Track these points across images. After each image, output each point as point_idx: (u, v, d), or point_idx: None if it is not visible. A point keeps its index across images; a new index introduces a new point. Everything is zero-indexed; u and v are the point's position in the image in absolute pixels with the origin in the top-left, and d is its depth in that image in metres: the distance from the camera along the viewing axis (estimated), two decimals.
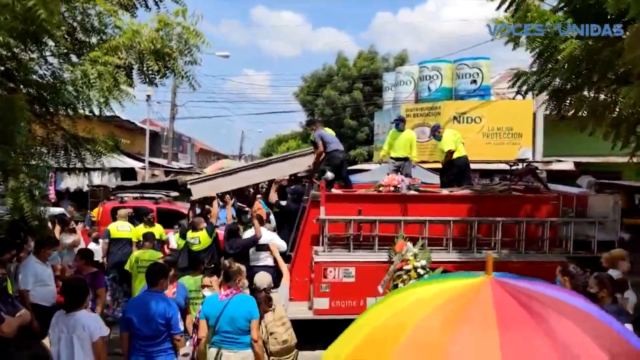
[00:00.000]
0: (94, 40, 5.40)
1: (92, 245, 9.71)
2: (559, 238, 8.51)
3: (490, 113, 18.07)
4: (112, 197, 13.82)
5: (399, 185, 8.52)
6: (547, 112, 7.45)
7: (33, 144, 6.00)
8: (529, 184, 9.17)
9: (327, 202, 8.25)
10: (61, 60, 5.43)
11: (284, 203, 9.92)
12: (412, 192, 8.59)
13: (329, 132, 10.04)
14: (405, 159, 10.45)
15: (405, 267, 7.71)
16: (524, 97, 9.23)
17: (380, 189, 8.64)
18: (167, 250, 9.99)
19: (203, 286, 6.16)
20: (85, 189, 18.27)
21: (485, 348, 1.92)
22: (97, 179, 18.13)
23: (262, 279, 5.39)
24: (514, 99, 19.22)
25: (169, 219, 11.38)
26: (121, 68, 5.21)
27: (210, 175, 10.33)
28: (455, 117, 18.27)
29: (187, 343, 5.25)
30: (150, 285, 4.91)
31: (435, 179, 10.73)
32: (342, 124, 25.04)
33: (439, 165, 15.42)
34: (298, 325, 6.03)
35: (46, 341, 4.63)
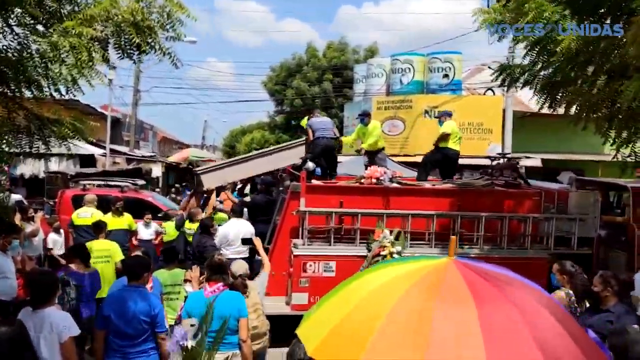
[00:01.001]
0: (66, 9, 4.92)
1: (53, 236, 9.14)
2: (539, 234, 8.43)
3: (461, 108, 17.99)
4: (72, 185, 13.15)
5: (381, 178, 8.29)
6: (538, 105, 7.29)
7: None
8: (509, 179, 9.07)
9: (307, 194, 7.95)
10: (27, 32, 4.93)
11: (247, 199, 9.66)
12: (395, 185, 8.38)
13: (321, 119, 9.70)
14: (378, 151, 10.24)
15: (383, 253, 7.59)
16: (507, 90, 9.11)
17: (362, 181, 8.39)
18: (134, 242, 9.49)
19: (185, 281, 5.77)
20: (42, 175, 17.39)
21: (465, 322, 2.05)
22: (54, 165, 17.31)
23: (239, 265, 5.37)
24: (484, 94, 19.45)
25: (136, 208, 10.82)
26: (96, 41, 4.74)
27: (218, 165, 10.13)
28: (426, 111, 18.17)
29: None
30: (132, 278, 4.48)
31: (407, 173, 10.52)
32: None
33: (410, 159, 15.32)
34: (275, 320, 5.77)
35: None
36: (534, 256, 8.09)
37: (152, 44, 4.92)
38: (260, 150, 11.22)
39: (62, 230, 9.34)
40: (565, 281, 4.94)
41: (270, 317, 5.57)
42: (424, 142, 17.19)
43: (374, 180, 8.33)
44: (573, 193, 8.63)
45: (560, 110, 7.10)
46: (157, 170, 20.31)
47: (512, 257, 7.96)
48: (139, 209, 10.98)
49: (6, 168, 15.46)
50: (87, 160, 19.50)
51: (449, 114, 10.32)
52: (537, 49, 6.37)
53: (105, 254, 7.51)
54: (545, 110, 20.14)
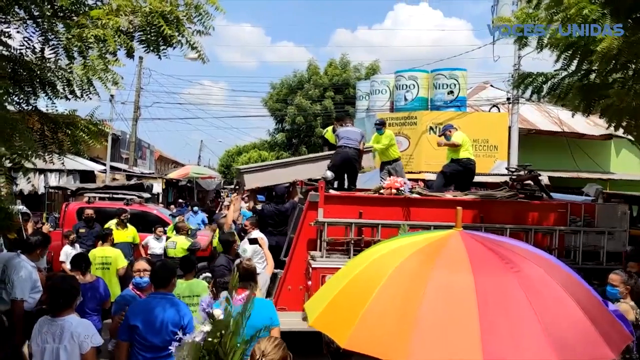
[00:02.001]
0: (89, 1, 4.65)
1: (67, 249, 8.82)
2: (566, 248, 8.16)
3: (466, 124, 17.76)
4: (71, 200, 12.83)
5: (401, 188, 8.01)
6: (572, 110, 7.07)
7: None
8: (531, 191, 8.81)
9: (326, 204, 7.65)
10: (48, 24, 4.65)
11: (259, 207, 9.31)
12: (415, 196, 8.10)
13: (347, 128, 9.38)
14: (395, 160, 10.34)
15: None
16: (529, 99, 8.92)
17: (382, 191, 8.10)
18: (142, 254, 9.15)
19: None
20: (42, 191, 17.02)
21: (461, 285, 2.07)
22: (54, 181, 16.99)
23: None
24: (489, 111, 19.33)
25: (141, 221, 10.51)
26: (121, 33, 4.47)
27: (263, 165, 9.90)
28: (431, 128, 17.98)
29: None
30: (159, 285, 4.14)
31: None
32: (313, 132, 24.53)
33: (415, 176, 15.09)
34: (291, 337, 5.41)
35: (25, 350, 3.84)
36: None
37: (180, 37, 4.65)
38: (306, 156, 10.97)
39: (77, 245, 9.03)
40: (627, 292, 4.62)
41: (286, 335, 5.20)
42: (429, 159, 17.05)
43: (394, 191, 8.05)
44: (600, 206, 8.37)
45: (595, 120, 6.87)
46: (157, 187, 19.97)
47: None
48: (144, 222, 10.70)
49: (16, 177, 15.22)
50: (87, 177, 19.20)
51: (452, 127, 10.15)
52: (570, 51, 6.16)
53: (105, 261, 7.65)
54: (549, 127, 19.97)
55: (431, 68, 19.46)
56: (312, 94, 25.27)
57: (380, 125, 10.32)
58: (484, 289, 2.04)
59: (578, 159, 19.34)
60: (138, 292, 4.84)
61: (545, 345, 1.91)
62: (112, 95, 20.13)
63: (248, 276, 4.41)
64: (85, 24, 4.25)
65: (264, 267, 7.11)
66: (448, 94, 18.30)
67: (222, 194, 33.97)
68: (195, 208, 14.69)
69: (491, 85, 22.46)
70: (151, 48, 4.62)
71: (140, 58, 20.84)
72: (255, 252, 7.60)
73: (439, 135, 10.07)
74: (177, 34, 4.58)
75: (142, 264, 5.03)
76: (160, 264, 4.43)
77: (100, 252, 7.79)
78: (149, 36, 4.53)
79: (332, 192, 8.16)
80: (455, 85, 18.30)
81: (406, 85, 18.77)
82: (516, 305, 2.00)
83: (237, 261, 5.32)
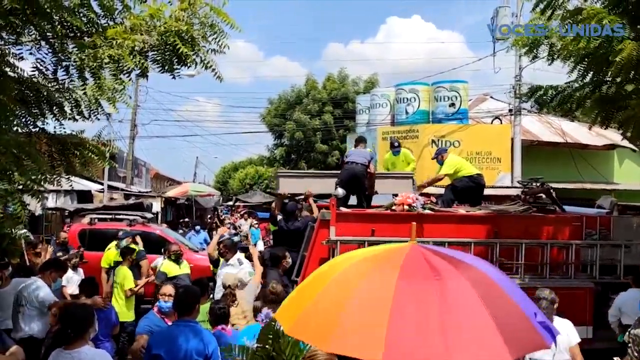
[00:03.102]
0: (101, 21, 4.58)
1: (69, 273, 8.65)
2: (582, 262, 8.08)
3: (468, 137, 17.86)
4: (68, 221, 12.71)
5: (413, 204, 7.92)
6: (589, 123, 7.03)
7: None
8: (543, 205, 8.74)
9: (337, 222, 7.56)
10: (60, 44, 4.58)
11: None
12: (428, 212, 8.01)
13: (358, 150, 9.39)
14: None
15: None
16: (539, 112, 8.90)
17: (394, 207, 8.02)
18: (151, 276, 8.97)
19: None
20: (39, 212, 16.83)
21: (382, 285, 2.37)
22: (51, 201, 16.81)
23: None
24: (492, 123, 19.29)
25: (145, 243, 10.34)
26: (137, 53, 4.40)
27: (302, 172, 9.78)
28: (433, 141, 17.90)
29: None
30: (182, 312, 4.02)
31: None
32: (313, 147, 24.52)
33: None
34: None
35: None
36: (580, 285, 7.72)
37: (195, 56, 4.58)
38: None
39: (80, 269, 8.88)
40: None
41: None
42: (432, 173, 16.99)
43: (406, 207, 7.96)
44: (616, 218, 8.31)
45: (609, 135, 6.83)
46: (156, 206, 19.83)
47: (556, 287, 7.57)
48: (147, 243, 10.54)
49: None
50: (84, 196, 19.03)
51: (444, 150, 10.15)
52: (586, 61, 6.12)
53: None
54: (552, 139, 19.88)
55: (431, 81, 19.54)
56: (311, 108, 25.29)
57: (398, 147, 10.52)
58: (402, 292, 2.31)
59: (582, 170, 19.30)
60: (162, 316, 4.74)
61: (439, 344, 2.18)
62: (108, 114, 20.02)
63: (275, 299, 4.54)
64: (100, 43, 4.17)
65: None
66: (450, 106, 18.30)
67: (219, 212, 33.92)
68: (197, 227, 14.55)
69: (491, 97, 22.50)
70: (166, 67, 4.55)
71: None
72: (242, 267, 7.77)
73: (432, 158, 10.07)
74: (192, 52, 4.52)
75: (168, 289, 5.01)
76: (183, 290, 4.30)
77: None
78: (164, 55, 4.46)
79: (343, 209, 8.07)
80: (456, 97, 18.34)
81: (407, 99, 18.78)
82: (426, 308, 2.27)
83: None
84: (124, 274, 8.04)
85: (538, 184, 9.02)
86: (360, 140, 9.85)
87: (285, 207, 8.94)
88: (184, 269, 8.42)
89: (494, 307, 2.31)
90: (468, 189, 9.13)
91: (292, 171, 10.18)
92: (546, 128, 19.99)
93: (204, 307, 5.74)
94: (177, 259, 8.50)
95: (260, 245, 10.46)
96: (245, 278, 7.26)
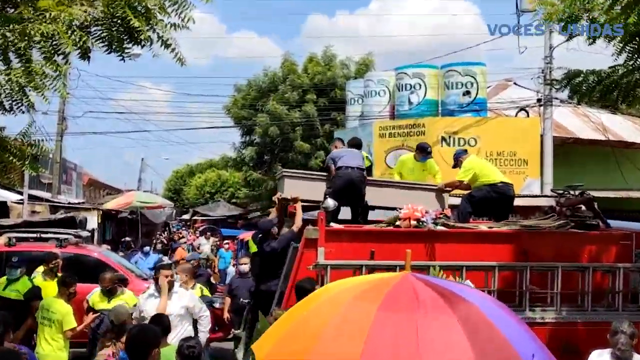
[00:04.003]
0: None
1: None
2: (632, 290, 8.23)
3: (488, 133, 17.93)
4: None
5: (422, 219, 7.98)
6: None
7: None
8: (582, 219, 8.87)
9: (327, 242, 7.57)
10: None
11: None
12: (441, 228, 8.08)
13: (346, 149, 9.66)
14: None
15: None
16: (578, 104, 9.03)
17: (398, 223, 8.07)
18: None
19: None
20: None
21: (361, 316, 2.82)
22: None
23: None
24: (516, 115, 19.40)
25: (79, 269, 10.28)
26: (76, 29, 4.38)
27: (311, 174, 10.24)
28: (443, 138, 17.96)
29: None
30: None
31: None
32: (292, 147, 24.51)
33: None
34: None
35: None
36: (630, 319, 7.80)
37: (150, 31, 4.58)
38: (377, 179, 11.24)
39: None
40: None
41: None
42: (443, 177, 17.09)
43: (413, 222, 8.02)
44: None
45: None
46: (92, 221, 19.66)
47: (600, 322, 7.70)
48: (82, 269, 10.48)
49: None
50: None
51: (463, 152, 10.53)
52: (638, 40, 6.24)
53: (48, 316, 7.85)
54: (590, 135, 19.99)
55: (441, 63, 19.66)
56: (289, 97, 25.28)
57: (429, 155, 10.83)
58: (379, 323, 2.74)
59: (627, 175, 19.44)
60: None
61: None
62: (31, 104, 19.77)
63: None
64: (30, 17, 4.14)
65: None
66: (464, 95, 18.42)
67: (171, 227, 33.79)
68: (146, 248, 14.51)
69: (515, 84, 22.63)
70: (113, 46, 4.55)
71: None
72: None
73: (453, 167, 10.28)
74: (147, 27, 4.51)
75: None
76: (136, 330, 4.27)
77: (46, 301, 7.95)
78: (111, 31, 4.45)
79: (334, 225, 8.09)
80: (472, 84, 18.45)
81: (410, 85, 18.90)
82: (402, 341, 2.70)
83: None
84: (62, 309, 7.90)
85: (576, 193, 9.14)
86: (355, 144, 9.94)
87: (259, 225, 9.04)
88: (121, 301, 8.46)
89: (479, 344, 2.69)
90: (487, 201, 9.21)
91: (299, 172, 10.20)
92: (583, 122, 20.20)
93: (168, 351, 5.71)
94: (110, 291, 8.77)
95: (246, 268, 10.52)
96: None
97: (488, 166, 10.03)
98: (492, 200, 9.25)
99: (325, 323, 2.85)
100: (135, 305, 8.02)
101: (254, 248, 9.82)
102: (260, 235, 9.07)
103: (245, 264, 10.92)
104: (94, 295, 8.90)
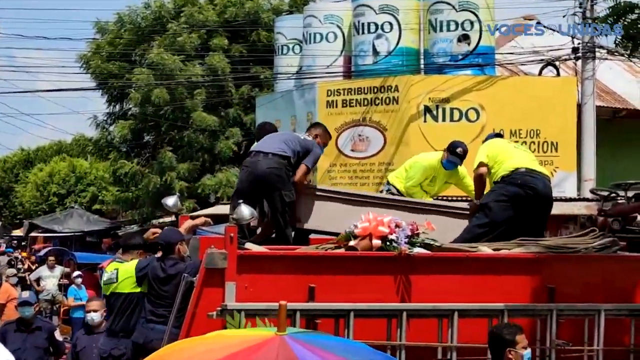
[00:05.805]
0: None
1: None
2: None
3: (496, 101, 18.18)
4: None
5: (391, 237, 8.08)
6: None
7: None
8: (638, 236, 9.14)
9: (241, 273, 7.64)
10: None
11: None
12: (419, 251, 8.20)
13: (283, 133, 10.40)
14: None
15: None
16: (633, 56, 9.29)
17: (352, 243, 8.15)
18: None
19: None
20: None
21: None
22: None
23: None
24: (540, 74, 19.66)
25: None
26: None
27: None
28: (427, 109, 18.15)
29: None
30: None
31: None
32: (189, 120, 24.52)
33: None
34: None
35: None
36: None
37: None
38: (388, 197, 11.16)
39: None
40: None
41: None
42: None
43: (376, 242, 8.11)
44: None
45: None
46: None
47: None
48: None
49: None
50: None
51: (499, 135, 11.03)
52: None
53: None
54: None
55: None
56: (185, 42, 25.29)
57: (463, 157, 11.07)
58: None
59: None
60: None
61: None
62: None
63: None
64: None
65: None
66: (459, 40, 18.64)
67: None
68: None
69: (539, 24, 22.87)
70: None
71: None
72: None
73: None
74: None
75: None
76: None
77: None
78: None
79: (251, 247, 8.15)
80: (472, 23, 18.63)
81: (376, 25, 19.04)
82: None
83: None
84: None
85: (630, 195, 9.36)
86: (316, 125, 10.32)
87: (160, 236, 9.21)
88: None
89: None
90: (517, 199, 9.26)
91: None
92: None
93: None
94: None
95: (98, 317, 10.51)
96: None
97: (508, 147, 10.22)
98: (520, 199, 9.32)
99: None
100: None
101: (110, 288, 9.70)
102: (158, 253, 9.15)
103: (95, 311, 10.79)
104: None
